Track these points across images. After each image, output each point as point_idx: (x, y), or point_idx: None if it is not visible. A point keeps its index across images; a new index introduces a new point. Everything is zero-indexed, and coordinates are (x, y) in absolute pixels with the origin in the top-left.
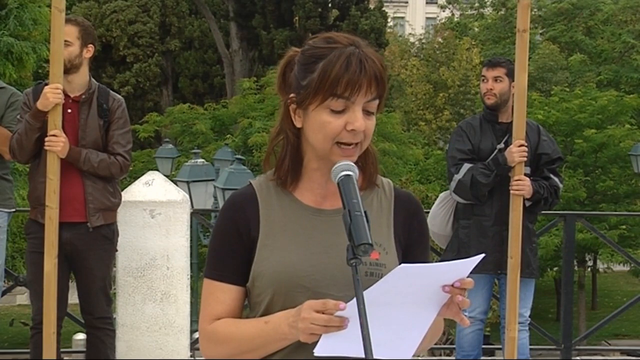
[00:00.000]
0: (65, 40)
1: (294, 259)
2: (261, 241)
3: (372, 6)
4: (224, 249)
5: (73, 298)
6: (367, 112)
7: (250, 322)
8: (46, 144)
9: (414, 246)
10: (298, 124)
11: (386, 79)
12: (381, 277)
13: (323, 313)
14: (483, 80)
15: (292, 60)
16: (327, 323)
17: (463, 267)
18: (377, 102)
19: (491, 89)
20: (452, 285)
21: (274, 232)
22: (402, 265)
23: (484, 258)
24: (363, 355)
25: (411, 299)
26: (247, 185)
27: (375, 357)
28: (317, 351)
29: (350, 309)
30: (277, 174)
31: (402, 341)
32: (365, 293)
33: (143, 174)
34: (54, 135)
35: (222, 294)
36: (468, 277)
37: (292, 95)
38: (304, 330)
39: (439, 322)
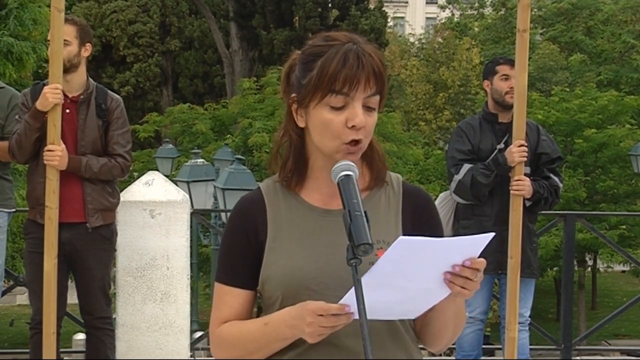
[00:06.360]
0: (64, 40)
1: (301, 262)
2: (269, 245)
3: (372, 6)
4: (233, 253)
5: (73, 298)
6: (367, 108)
7: (252, 323)
8: (44, 158)
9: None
10: (301, 124)
11: (385, 74)
12: None
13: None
14: (504, 78)
15: (295, 62)
16: (335, 323)
17: (473, 244)
18: (377, 97)
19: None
20: (463, 265)
21: (281, 236)
22: (401, 237)
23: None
24: (377, 317)
25: (418, 276)
26: (255, 189)
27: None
28: None
29: (350, 297)
30: (282, 174)
31: (412, 306)
32: (369, 273)
33: (143, 174)
34: (49, 150)
35: (231, 298)
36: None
37: (293, 95)
38: (311, 334)
39: (462, 310)
